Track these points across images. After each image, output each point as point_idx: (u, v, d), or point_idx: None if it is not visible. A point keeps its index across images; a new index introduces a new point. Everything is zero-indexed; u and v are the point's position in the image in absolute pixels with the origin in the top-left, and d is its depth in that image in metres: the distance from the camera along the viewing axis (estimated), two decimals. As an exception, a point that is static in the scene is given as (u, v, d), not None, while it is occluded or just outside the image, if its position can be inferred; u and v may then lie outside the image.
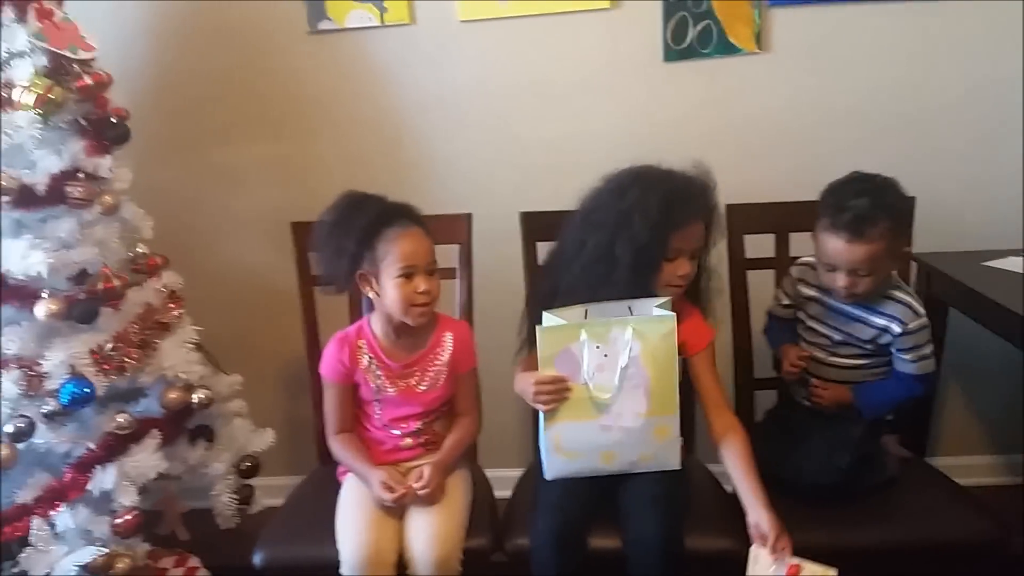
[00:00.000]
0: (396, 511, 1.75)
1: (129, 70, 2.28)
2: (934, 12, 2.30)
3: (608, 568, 1.67)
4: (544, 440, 1.75)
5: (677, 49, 2.34)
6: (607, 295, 1.74)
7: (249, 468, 2.18)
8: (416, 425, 1.87)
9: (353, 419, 1.90)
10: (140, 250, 2.06)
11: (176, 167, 2.48)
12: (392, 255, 1.74)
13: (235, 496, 2.14)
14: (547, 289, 1.84)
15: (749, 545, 1.66)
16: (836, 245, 1.74)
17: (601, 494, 1.73)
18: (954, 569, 1.76)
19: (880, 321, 1.82)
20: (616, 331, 1.69)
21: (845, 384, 1.88)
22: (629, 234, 1.69)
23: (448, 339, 1.89)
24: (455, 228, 2.07)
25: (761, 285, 2.08)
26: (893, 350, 1.84)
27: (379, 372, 1.84)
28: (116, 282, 1.91)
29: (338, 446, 1.87)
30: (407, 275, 1.75)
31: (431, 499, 1.74)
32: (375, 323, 1.87)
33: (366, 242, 1.75)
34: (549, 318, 1.72)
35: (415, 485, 1.73)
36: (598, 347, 1.69)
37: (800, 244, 2.01)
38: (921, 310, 1.81)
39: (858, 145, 2.37)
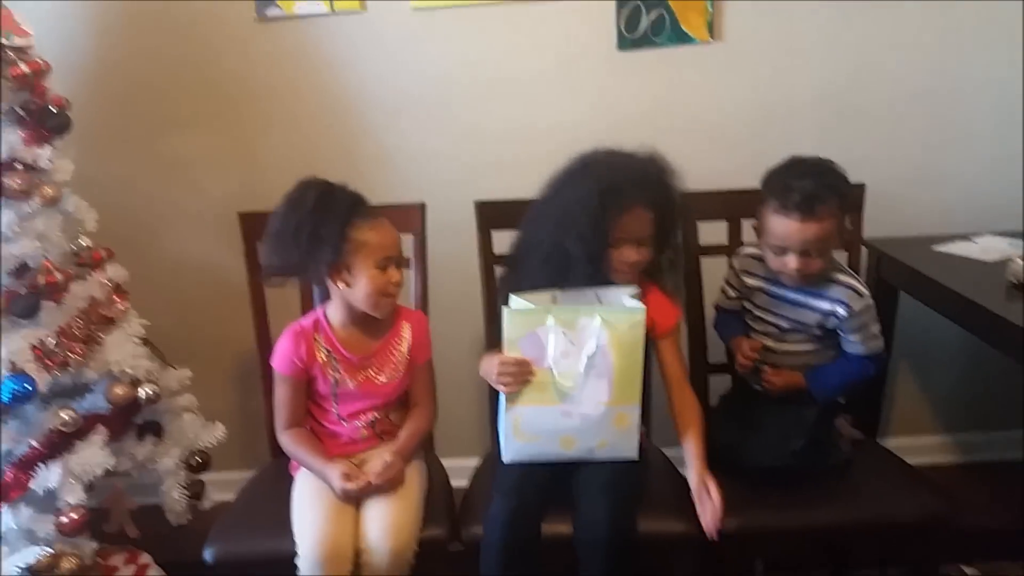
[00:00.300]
0: (352, 503, 1.72)
1: (69, 58, 2.24)
2: (883, 4, 2.33)
3: (558, 554, 1.66)
4: (504, 423, 1.74)
5: (631, 38, 2.34)
6: (568, 286, 1.75)
7: (199, 463, 2.14)
8: (372, 416, 1.85)
9: (304, 413, 1.86)
10: (83, 243, 2.02)
11: (120, 158, 2.42)
12: (369, 245, 1.72)
13: (186, 492, 2.10)
14: (513, 280, 1.84)
15: (702, 529, 1.68)
16: (788, 226, 1.75)
17: (555, 481, 1.72)
18: (905, 545, 1.78)
19: (825, 305, 1.83)
20: (584, 319, 1.69)
21: (796, 369, 1.90)
22: (571, 225, 1.70)
23: (406, 330, 1.87)
24: (409, 218, 2.05)
25: (715, 272, 2.09)
26: (841, 333, 1.86)
27: (338, 365, 1.81)
28: (58, 276, 1.86)
29: (289, 441, 1.83)
30: (383, 266, 1.73)
31: (390, 485, 1.72)
32: (332, 314, 1.84)
33: (342, 234, 1.71)
34: (517, 301, 1.71)
35: (375, 474, 1.70)
36: (565, 333, 1.69)
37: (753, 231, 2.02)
38: (865, 291, 1.83)
39: (809, 133, 2.40)
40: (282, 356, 1.82)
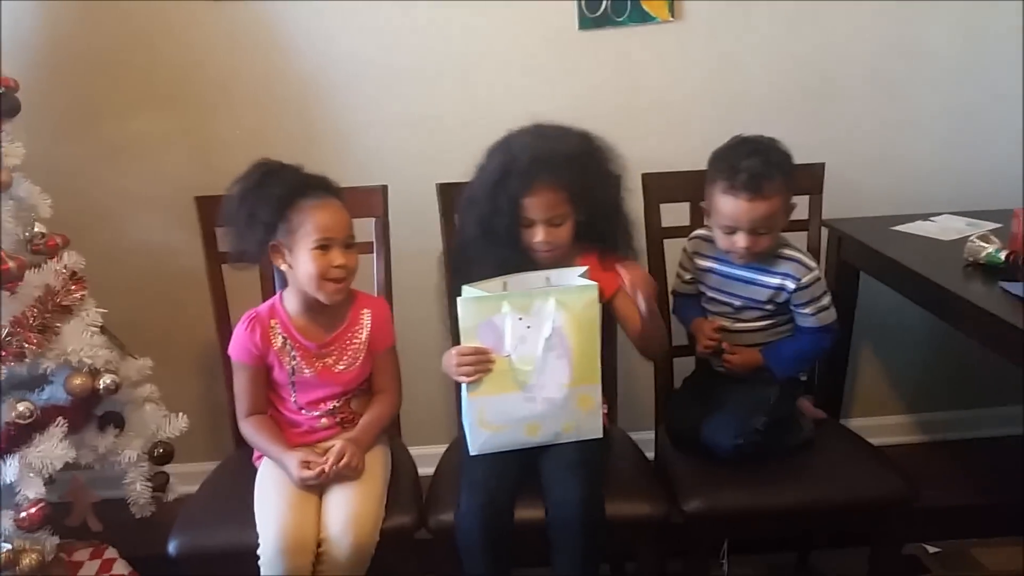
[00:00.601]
0: (314, 492, 1.70)
1: (17, 38, 2.18)
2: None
3: (533, 537, 1.66)
4: (468, 414, 1.73)
5: (592, 17, 2.33)
6: (501, 267, 1.76)
7: (162, 454, 2.10)
8: (332, 404, 1.83)
9: (265, 401, 1.84)
10: (38, 230, 1.96)
11: (74, 141, 2.37)
12: (308, 225, 1.69)
13: (149, 484, 2.07)
14: (462, 266, 1.84)
15: (667, 511, 1.69)
16: (737, 206, 1.77)
17: (523, 467, 1.72)
18: (868, 525, 1.80)
19: (774, 280, 1.85)
20: (539, 302, 1.68)
21: (754, 347, 1.91)
22: (480, 207, 1.75)
23: (366, 316, 1.84)
24: (370, 201, 2.03)
25: (679, 253, 2.09)
26: (792, 307, 1.88)
27: (295, 353, 1.79)
28: (11, 264, 1.81)
29: (250, 429, 1.81)
30: (323, 247, 1.70)
31: (349, 473, 1.70)
32: (288, 301, 1.82)
33: (281, 211, 1.69)
34: (469, 291, 1.71)
35: (332, 463, 1.68)
36: (520, 319, 1.68)
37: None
38: (812, 264, 1.86)
39: (769, 113, 2.40)
40: (238, 344, 1.79)
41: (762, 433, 1.77)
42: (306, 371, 1.79)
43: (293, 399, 1.81)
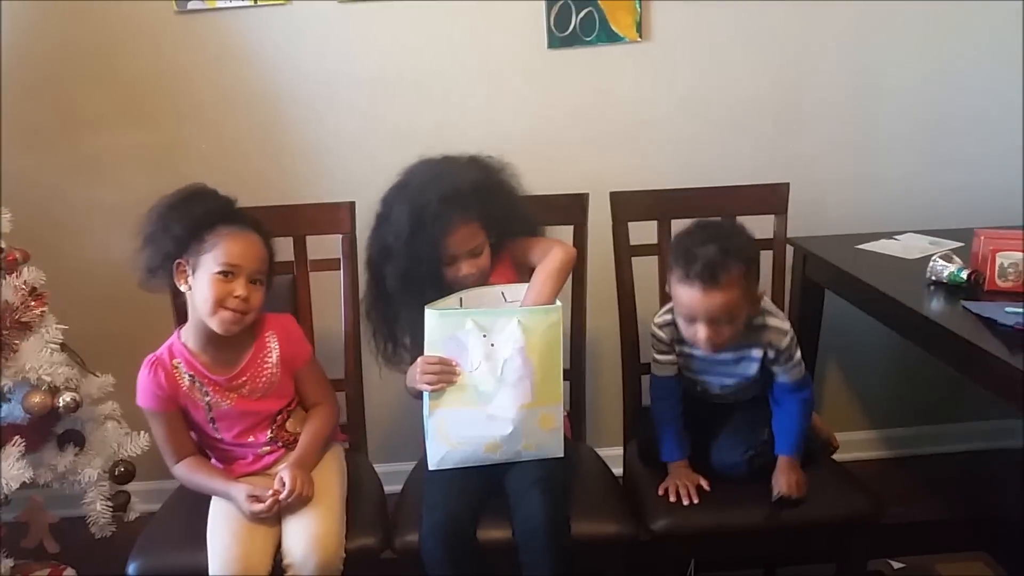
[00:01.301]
0: (269, 519, 1.66)
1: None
2: (807, 6, 2.38)
3: (500, 556, 1.65)
4: (428, 428, 1.72)
5: (560, 36, 2.34)
6: (422, 302, 1.75)
7: (124, 473, 2.06)
8: (267, 434, 1.78)
9: (190, 443, 1.78)
10: (-4, 244, 1.93)
11: (36, 155, 2.33)
12: (218, 249, 1.65)
13: (109, 503, 2.03)
14: (381, 316, 1.86)
15: (634, 530, 1.69)
16: (692, 295, 1.68)
17: (487, 486, 1.71)
18: (833, 543, 1.81)
19: (759, 353, 1.79)
20: (502, 321, 1.69)
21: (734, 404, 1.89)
22: (399, 260, 1.74)
23: (272, 339, 1.79)
24: (338, 217, 2.01)
25: (647, 272, 2.09)
26: (774, 368, 1.82)
27: (206, 388, 1.73)
28: (-32, 280, 1.78)
29: (185, 473, 1.75)
30: (226, 273, 1.65)
31: (301, 501, 1.65)
32: (188, 337, 1.75)
33: (196, 229, 1.66)
34: (431, 311, 1.71)
35: (280, 494, 1.64)
36: (484, 336, 1.68)
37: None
38: (785, 326, 1.78)
39: (735, 133, 2.43)
40: (144, 391, 1.73)
41: (770, 445, 1.78)
42: (223, 404, 1.74)
43: (218, 435, 1.76)
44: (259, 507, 1.63)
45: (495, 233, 1.82)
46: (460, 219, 1.73)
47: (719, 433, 1.83)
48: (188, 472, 1.75)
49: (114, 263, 2.38)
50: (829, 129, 2.47)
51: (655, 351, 1.88)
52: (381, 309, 1.86)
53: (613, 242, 2.07)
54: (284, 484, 1.65)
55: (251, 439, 1.77)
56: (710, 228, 1.74)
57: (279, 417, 1.80)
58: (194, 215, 1.67)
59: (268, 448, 1.78)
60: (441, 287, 1.78)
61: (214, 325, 1.67)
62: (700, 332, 1.70)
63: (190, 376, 1.73)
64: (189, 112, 2.35)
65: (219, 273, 1.64)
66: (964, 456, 2.70)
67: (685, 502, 1.74)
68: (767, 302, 1.81)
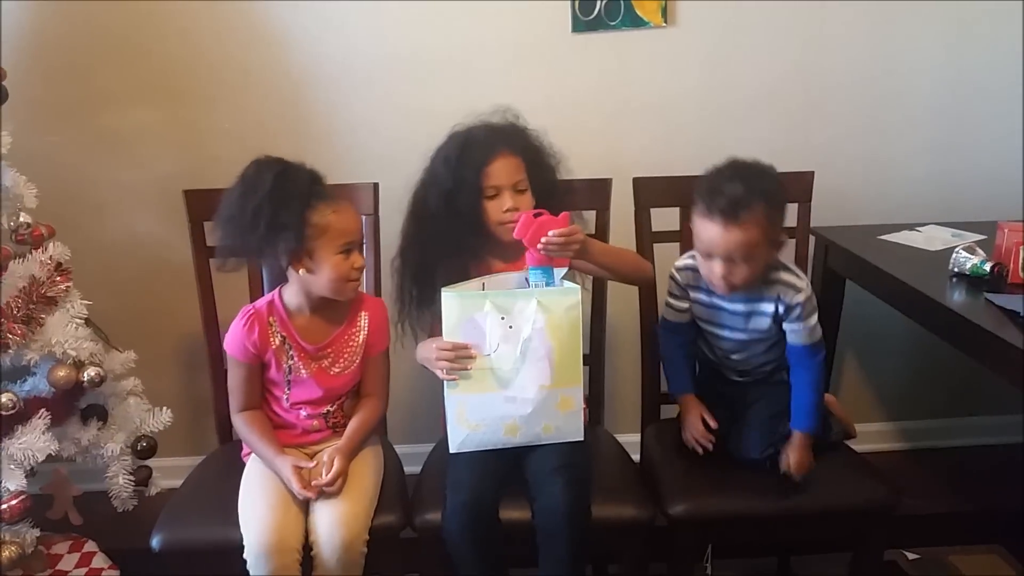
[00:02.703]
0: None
1: (5, 27, 2.15)
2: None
3: (519, 537, 1.67)
4: (448, 412, 1.73)
5: (585, 20, 2.34)
6: (460, 253, 1.79)
7: (146, 448, 2.09)
8: (325, 408, 1.81)
9: (259, 397, 1.81)
10: (23, 219, 1.93)
11: (61, 131, 2.34)
12: (332, 230, 1.67)
13: (131, 478, 2.05)
14: (420, 265, 1.85)
15: (652, 514, 1.71)
16: (712, 231, 1.68)
17: (508, 467, 1.72)
18: (849, 531, 1.81)
19: (770, 307, 1.78)
20: (521, 303, 1.68)
21: (761, 368, 1.89)
22: (438, 186, 1.79)
23: (363, 319, 1.82)
24: (361, 198, 2.02)
25: (669, 258, 2.09)
26: (784, 324, 1.82)
27: (292, 353, 1.77)
28: (-4, 254, 1.80)
29: (243, 424, 1.79)
30: (346, 251, 1.69)
31: (335, 491, 1.67)
32: (289, 299, 1.78)
33: (302, 216, 1.65)
34: (448, 292, 1.70)
35: (322, 481, 1.66)
36: (503, 318, 1.68)
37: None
38: (801, 282, 1.77)
39: (759, 120, 2.42)
40: (234, 340, 1.77)
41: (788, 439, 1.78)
42: (303, 372, 1.77)
43: (286, 398, 1.79)
44: (298, 489, 1.65)
45: (535, 190, 1.83)
46: (506, 148, 1.79)
47: (740, 425, 1.83)
48: (246, 424, 1.78)
49: (137, 241, 2.43)
50: (851, 117, 2.46)
51: (669, 295, 1.91)
52: (416, 254, 1.86)
53: (635, 228, 2.07)
54: (326, 469, 1.67)
55: (307, 412, 1.80)
56: (740, 166, 1.73)
57: (342, 396, 1.82)
58: (294, 203, 1.64)
59: (318, 425, 1.80)
60: (481, 233, 1.79)
61: (340, 297, 1.75)
62: (716, 268, 1.70)
63: (282, 337, 1.76)
64: (212, 91, 2.36)
65: (340, 253, 1.69)
66: (981, 449, 2.70)
67: (700, 451, 1.82)
68: (787, 261, 1.81)
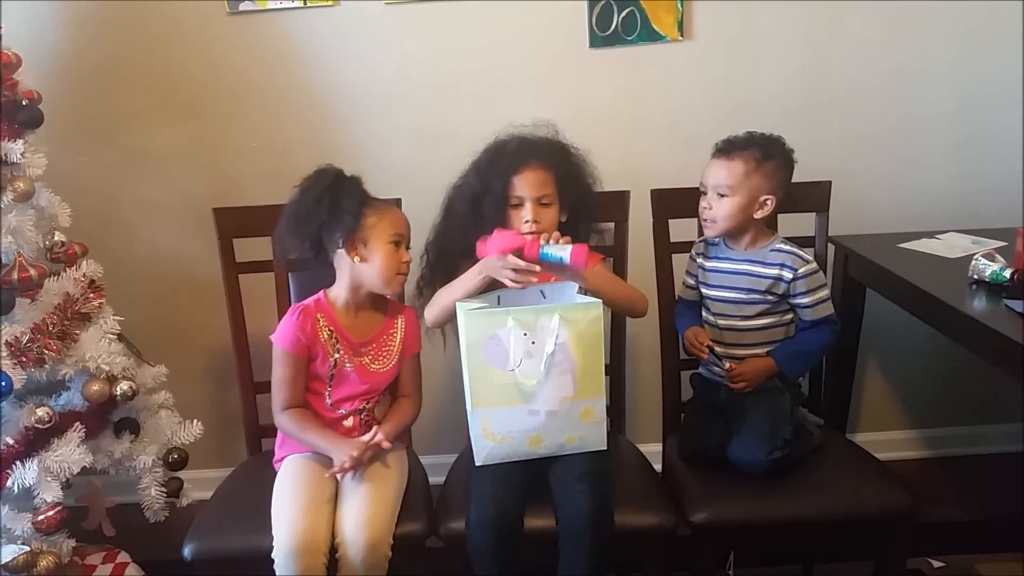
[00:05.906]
0: (331, 496, 1.74)
1: (40, 50, 2.22)
2: (848, 4, 2.38)
3: (543, 546, 1.69)
4: (473, 426, 1.74)
5: (602, 35, 2.37)
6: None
7: (177, 460, 2.14)
8: (362, 405, 1.87)
9: (303, 394, 1.86)
10: (57, 238, 1.99)
11: (94, 152, 2.41)
12: (385, 221, 1.80)
13: (163, 489, 2.11)
14: (442, 255, 1.94)
15: (675, 522, 1.72)
16: (707, 169, 1.91)
17: (532, 476, 1.75)
18: (873, 539, 1.81)
19: (771, 271, 1.89)
20: (544, 319, 1.69)
21: (759, 346, 1.93)
22: (468, 188, 1.87)
23: (400, 322, 1.91)
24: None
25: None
26: (791, 300, 1.91)
27: (339, 346, 1.84)
28: (32, 271, 1.86)
29: (291, 421, 1.83)
30: (396, 242, 1.81)
31: (367, 467, 1.77)
32: (335, 296, 1.88)
33: (362, 205, 1.79)
34: (463, 306, 1.71)
35: (364, 438, 1.77)
36: (525, 334, 1.69)
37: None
38: (807, 257, 1.91)
39: (777, 131, 2.37)
40: (286, 333, 1.83)
41: (791, 443, 1.80)
42: (347, 365, 1.84)
43: (328, 394, 1.85)
44: (356, 454, 1.74)
45: (566, 205, 1.88)
46: (535, 161, 1.84)
47: (741, 429, 1.85)
48: (295, 420, 1.83)
49: (166, 258, 2.48)
50: (868, 126, 2.47)
51: (686, 274, 2.08)
52: (440, 248, 1.94)
53: (654, 239, 2.10)
54: (373, 437, 1.78)
55: (345, 409, 1.86)
56: (759, 133, 1.92)
57: (377, 395, 1.89)
58: (353, 193, 1.80)
59: (352, 421, 1.87)
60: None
61: (389, 290, 1.86)
62: (703, 201, 1.91)
63: (329, 331, 1.84)
64: (238, 111, 2.41)
65: (391, 243, 1.80)
66: (1005, 457, 2.68)
67: (701, 355, 1.93)
68: (796, 247, 1.93)
